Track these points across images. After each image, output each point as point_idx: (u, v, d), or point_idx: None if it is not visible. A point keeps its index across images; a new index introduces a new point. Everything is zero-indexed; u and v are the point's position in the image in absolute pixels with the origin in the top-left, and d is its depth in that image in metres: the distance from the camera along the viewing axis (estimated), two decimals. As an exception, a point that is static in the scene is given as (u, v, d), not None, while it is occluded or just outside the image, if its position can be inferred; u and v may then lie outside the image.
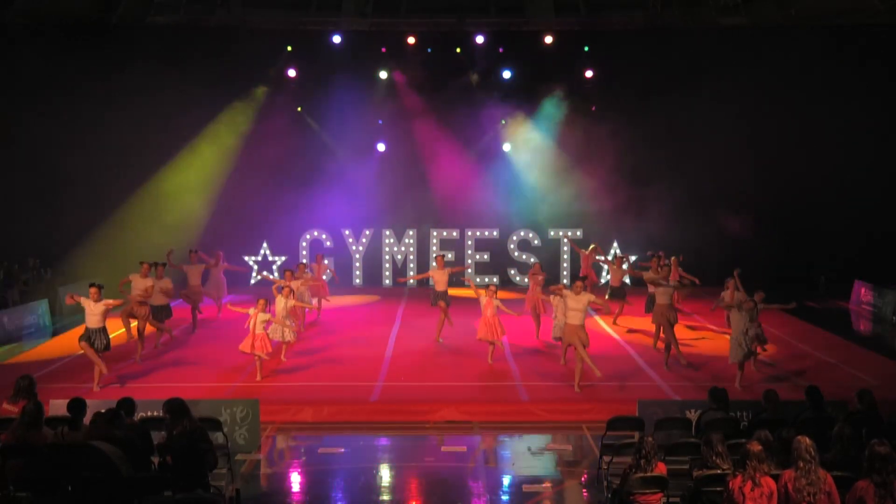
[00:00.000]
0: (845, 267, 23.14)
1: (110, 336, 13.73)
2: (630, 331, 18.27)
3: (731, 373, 13.97)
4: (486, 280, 23.05)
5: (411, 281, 16.96)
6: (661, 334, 15.55)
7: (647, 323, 17.10)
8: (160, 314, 16.00)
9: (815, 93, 22.59)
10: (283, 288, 15.14)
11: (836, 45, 22.06)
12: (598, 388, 13.78)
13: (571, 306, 13.49)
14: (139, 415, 10.31)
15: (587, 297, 13.59)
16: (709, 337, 17.70)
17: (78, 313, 16.01)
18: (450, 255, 23.45)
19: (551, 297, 15.19)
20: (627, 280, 20.49)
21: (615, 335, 17.87)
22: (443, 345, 16.95)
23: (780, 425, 9.24)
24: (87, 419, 9.46)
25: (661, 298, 15.28)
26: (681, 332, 17.56)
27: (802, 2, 22.02)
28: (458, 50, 24.01)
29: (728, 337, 14.47)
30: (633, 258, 22.77)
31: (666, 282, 15.69)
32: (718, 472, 7.97)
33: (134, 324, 15.52)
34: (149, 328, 15.78)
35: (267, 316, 14.09)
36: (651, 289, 16.21)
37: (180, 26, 23.09)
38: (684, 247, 21.16)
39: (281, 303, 14.75)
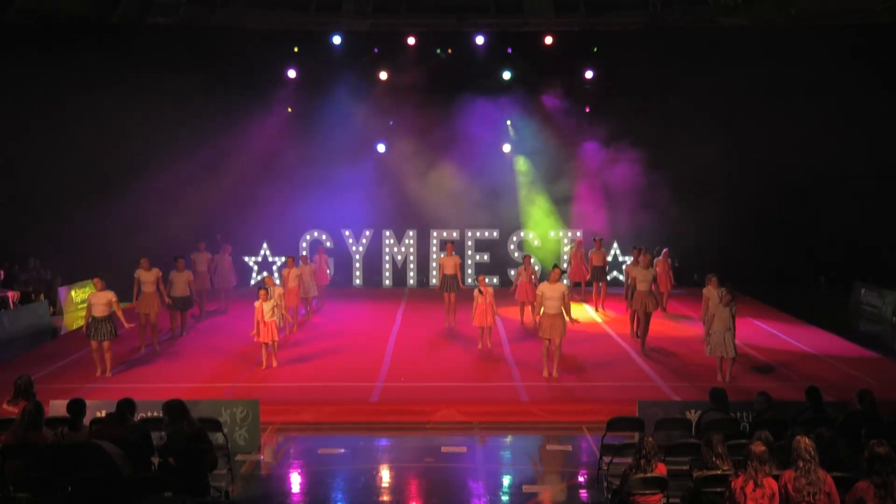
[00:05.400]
0: (845, 267, 23.15)
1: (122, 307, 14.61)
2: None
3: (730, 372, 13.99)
4: (486, 280, 23.01)
5: (434, 281, 17.55)
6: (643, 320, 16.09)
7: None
8: (181, 304, 17.22)
9: (816, 93, 22.56)
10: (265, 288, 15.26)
11: (836, 45, 22.04)
12: (598, 388, 13.81)
13: (548, 295, 13.82)
14: (139, 415, 10.30)
15: (562, 287, 14.01)
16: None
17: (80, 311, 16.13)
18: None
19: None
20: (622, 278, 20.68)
21: (614, 335, 17.86)
22: (443, 345, 16.97)
23: (782, 425, 9.25)
24: (86, 419, 9.48)
25: (641, 285, 15.76)
26: (681, 329, 17.67)
27: (802, 2, 21.99)
28: (450, 50, 24.10)
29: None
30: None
31: (645, 269, 16.00)
32: (718, 472, 7.97)
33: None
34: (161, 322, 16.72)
35: (272, 302, 14.65)
36: (632, 281, 16.39)
37: (180, 27, 23.09)
38: (682, 246, 21.23)
39: (269, 303, 14.77)
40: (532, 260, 22.66)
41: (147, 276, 16.11)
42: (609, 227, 23.94)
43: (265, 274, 23.35)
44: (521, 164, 24.72)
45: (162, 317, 16.98)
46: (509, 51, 24.32)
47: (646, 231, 22.93)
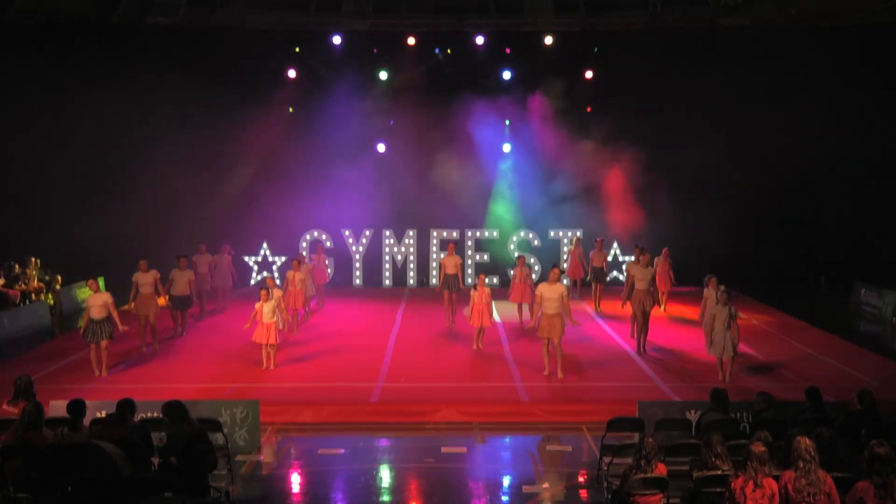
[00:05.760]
0: (845, 267, 23.15)
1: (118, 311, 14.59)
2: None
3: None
4: (486, 280, 23.03)
5: (434, 281, 17.57)
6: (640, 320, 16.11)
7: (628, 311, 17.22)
8: (181, 303, 17.29)
9: (815, 93, 22.56)
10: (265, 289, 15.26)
11: (836, 45, 22.04)
12: (598, 388, 13.82)
13: (546, 296, 13.90)
14: (139, 415, 10.30)
15: (561, 288, 14.07)
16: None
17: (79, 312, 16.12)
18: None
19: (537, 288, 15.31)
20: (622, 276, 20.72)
21: (614, 335, 17.87)
22: (443, 345, 16.98)
23: (782, 425, 9.25)
24: (86, 420, 9.48)
25: (640, 284, 15.84)
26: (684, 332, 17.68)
27: (802, 2, 22.00)
28: (450, 50, 24.13)
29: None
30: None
31: (644, 268, 16.07)
32: (718, 472, 7.97)
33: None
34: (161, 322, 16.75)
35: (273, 303, 14.64)
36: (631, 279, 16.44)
37: (180, 27, 23.09)
38: (682, 247, 21.26)
39: (269, 304, 14.80)
40: (531, 260, 22.81)
41: (145, 278, 16.13)
42: (608, 227, 23.95)
43: (266, 274, 23.36)
44: (519, 164, 24.71)
45: (163, 316, 17.04)
46: (508, 51, 24.33)
47: (646, 231, 22.93)
